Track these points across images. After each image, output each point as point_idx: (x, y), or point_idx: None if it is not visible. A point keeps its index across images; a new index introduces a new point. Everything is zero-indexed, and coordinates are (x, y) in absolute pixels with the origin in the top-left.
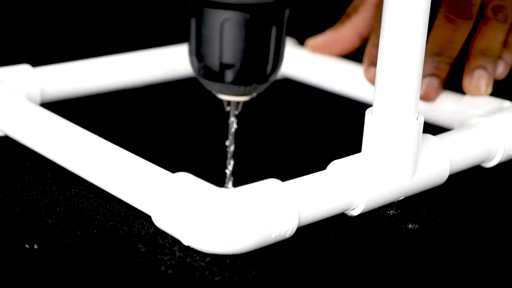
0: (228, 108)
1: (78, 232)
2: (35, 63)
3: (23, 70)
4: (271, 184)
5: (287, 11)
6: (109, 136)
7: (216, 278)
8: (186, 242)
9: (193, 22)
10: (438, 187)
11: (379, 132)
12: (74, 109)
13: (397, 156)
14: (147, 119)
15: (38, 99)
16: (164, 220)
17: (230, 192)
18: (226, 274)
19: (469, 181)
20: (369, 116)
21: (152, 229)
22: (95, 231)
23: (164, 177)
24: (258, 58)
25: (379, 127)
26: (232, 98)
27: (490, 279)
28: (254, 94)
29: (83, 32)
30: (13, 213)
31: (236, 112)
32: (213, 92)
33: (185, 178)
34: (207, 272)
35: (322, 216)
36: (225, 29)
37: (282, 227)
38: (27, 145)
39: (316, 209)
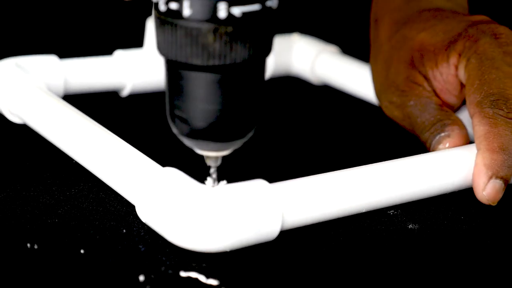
0: (208, 162)
1: (78, 232)
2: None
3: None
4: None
5: (265, 63)
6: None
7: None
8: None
9: (171, 82)
10: None
11: None
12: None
13: None
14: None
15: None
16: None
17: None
18: (224, 275)
19: None
20: None
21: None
22: (95, 231)
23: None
24: (237, 116)
25: None
26: (212, 154)
27: (490, 279)
28: (233, 149)
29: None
30: (13, 213)
31: (216, 165)
32: (194, 148)
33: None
34: (206, 273)
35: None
36: (203, 89)
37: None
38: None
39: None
